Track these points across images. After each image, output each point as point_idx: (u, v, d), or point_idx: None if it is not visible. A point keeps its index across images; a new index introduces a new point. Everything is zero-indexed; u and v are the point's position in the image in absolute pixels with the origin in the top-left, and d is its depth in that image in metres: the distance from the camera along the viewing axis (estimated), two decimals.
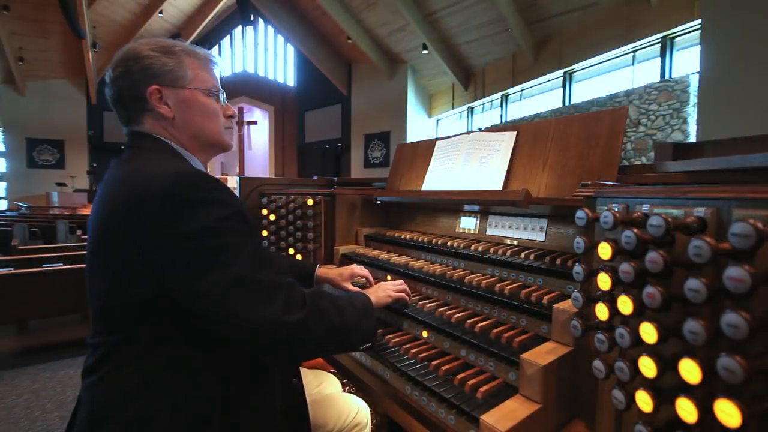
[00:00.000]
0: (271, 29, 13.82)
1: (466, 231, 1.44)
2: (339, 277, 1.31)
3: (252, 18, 10.76)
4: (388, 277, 1.43)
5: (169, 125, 0.89)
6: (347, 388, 1.83)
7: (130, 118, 0.89)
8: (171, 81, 0.87)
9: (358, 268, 1.34)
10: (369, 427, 1.20)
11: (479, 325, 0.97)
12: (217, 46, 14.53)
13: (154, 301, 0.73)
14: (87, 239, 0.82)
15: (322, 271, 1.34)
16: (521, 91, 7.76)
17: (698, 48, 3.76)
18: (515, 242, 1.26)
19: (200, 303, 0.71)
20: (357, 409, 1.18)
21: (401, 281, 1.22)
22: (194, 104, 0.90)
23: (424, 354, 1.00)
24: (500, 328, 0.95)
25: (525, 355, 0.79)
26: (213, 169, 14.27)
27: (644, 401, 0.57)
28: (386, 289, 1.14)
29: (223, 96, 0.97)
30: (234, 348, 0.79)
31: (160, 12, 10.82)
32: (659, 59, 5.42)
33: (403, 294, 1.16)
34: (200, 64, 0.92)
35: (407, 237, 1.53)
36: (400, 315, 1.18)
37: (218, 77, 0.97)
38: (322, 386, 1.33)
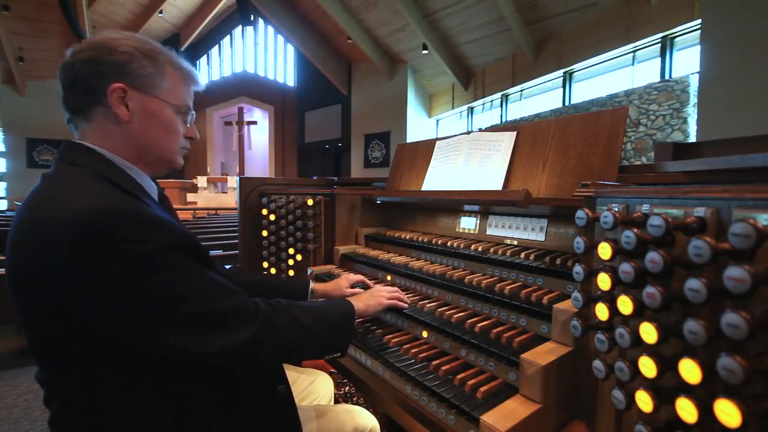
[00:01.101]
0: (271, 29, 13.82)
1: (466, 231, 1.44)
2: (336, 286, 1.30)
3: (252, 18, 10.75)
4: (388, 277, 1.43)
5: (118, 129, 0.80)
6: (347, 388, 1.83)
7: (78, 108, 0.81)
8: (143, 85, 0.81)
9: (353, 276, 1.35)
10: None
11: (479, 325, 0.97)
12: (217, 46, 14.54)
13: (77, 337, 0.68)
14: (5, 266, 0.73)
15: (319, 286, 1.30)
16: (521, 91, 7.76)
17: (698, 48, 3.76)
18: (515, 242, 1.26)
19: (132, 340, 0.69)
20: (369, 428, 1.12)
21: (396, 288, 1.22)
22: (158, 117, 0.84)
23: (424, 354, 1.00)
24: (500, 328, 0.95)
25: (525, 355, 0.79)
26: (213, 169, 14.27)
27: (644, 401, 0.57)
28: (378, 296, 1.13)
29: (191, 117, 0.92)
30: (190, 372, 0.76)
31: (160, 12, 10.83)
32: (659, 59, 5.42)
33: (396, 302, 1.15)
34: (180, 80, 0.87)
35: (407, 237, 1.53)
36: (400, 315, 1.18)
37: (192, 97, 0.92)
38: (315, 384, 1.32)
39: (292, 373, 1.29)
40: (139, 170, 0.84)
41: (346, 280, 1.33)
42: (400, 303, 1.16)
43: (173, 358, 0.72)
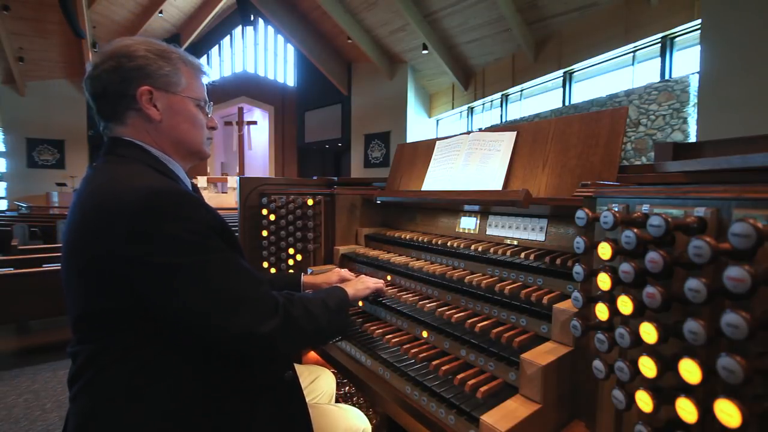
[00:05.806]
0: (271, 29, 13.82)
1: (466, 231, 1.44)
2: (326, 282, 1.31)
3: (252, 18, 10.78)
4: (388, 277, 1.43)
5: (153, 128, 0.88)
6: (347, 387, 1.83)
7: (112, 114, 0.87)
8: (165, 85, 0.88)
9: (344, 271, 1.36)
10: None
11: (479, 325, 0.97)
12: (217, 46, 14.55)
13: (128, 311, 0.74)
14: (62, 248, 0.81)
15: (308, 278, 1.33)
16: (521, 91, 7.76)
17: (698, 48, 3.76)
18: (515, 242, 1.26)
19: (175, 317, 0.74)
20: (362, 429, 1.14)
21: (378, 280, 1.30)
22: (183, 112, 0.91)
23: (424, 354, 1.00)
24: (500, 328, 0.95)
25: (525, 355, 0.79)
26: (213, 169, 14.27)
27: (644, 401, 0.57)
28: (365, 281, 1.23)
29: (209, 108, 0.99)
30: (213, 350, 0.80)
31: (160, 12, 10.83)
32: (659, 59, 5.43)
33: (381, 285, 1.26)
34: (193, 73, 0.94)
35: (407, 237, 1.53)
36: (400, 315, 1.18)
37: (205, 89, 0.99)
38: (317, 382, 1.33)
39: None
40: (176, 163, 0.92)
41: (336, 274, 1.34)
42: (384, 289, 1.27)
43: (201, 337, 0.76)
